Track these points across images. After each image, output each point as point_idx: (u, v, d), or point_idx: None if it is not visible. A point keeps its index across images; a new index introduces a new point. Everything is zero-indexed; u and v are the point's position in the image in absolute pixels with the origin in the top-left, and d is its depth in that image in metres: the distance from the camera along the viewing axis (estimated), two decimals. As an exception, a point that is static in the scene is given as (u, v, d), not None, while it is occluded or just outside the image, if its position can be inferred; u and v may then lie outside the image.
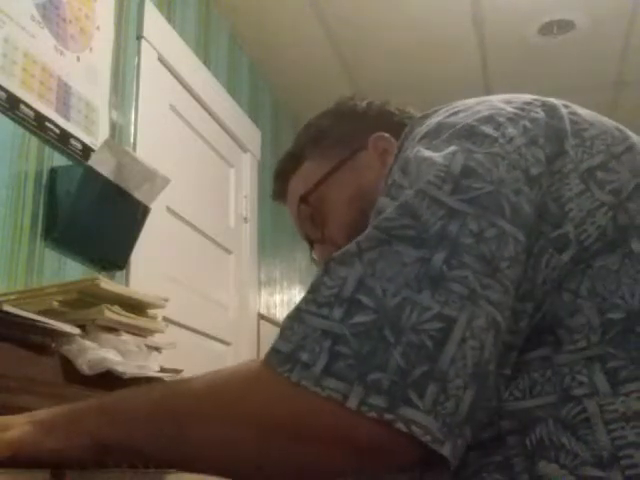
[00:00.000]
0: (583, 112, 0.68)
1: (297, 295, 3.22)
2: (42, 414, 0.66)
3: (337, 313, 0.53)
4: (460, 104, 0.69)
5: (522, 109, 0.65)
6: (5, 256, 1.37)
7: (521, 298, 0.57)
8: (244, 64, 2.78)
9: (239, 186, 2.65)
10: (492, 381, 0.55)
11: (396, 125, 0.88)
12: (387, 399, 0.50)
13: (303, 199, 0.91)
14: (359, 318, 0.53)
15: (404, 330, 0.52)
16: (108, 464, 0.71)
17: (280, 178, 0.99)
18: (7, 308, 0.86)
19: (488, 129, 0.62)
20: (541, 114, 0.64)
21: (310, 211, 0.92)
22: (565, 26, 2.71)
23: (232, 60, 2.66)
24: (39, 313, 0.94)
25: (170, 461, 0.63)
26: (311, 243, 0.95)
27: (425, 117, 0.70)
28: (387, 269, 0.54)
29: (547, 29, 2.72)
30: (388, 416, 0.50)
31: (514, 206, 0.57)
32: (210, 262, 2.39)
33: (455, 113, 0.66)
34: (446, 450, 0.51)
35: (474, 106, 0.66)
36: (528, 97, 0.68)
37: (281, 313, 2.98)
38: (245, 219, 2.65)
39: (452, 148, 0.60)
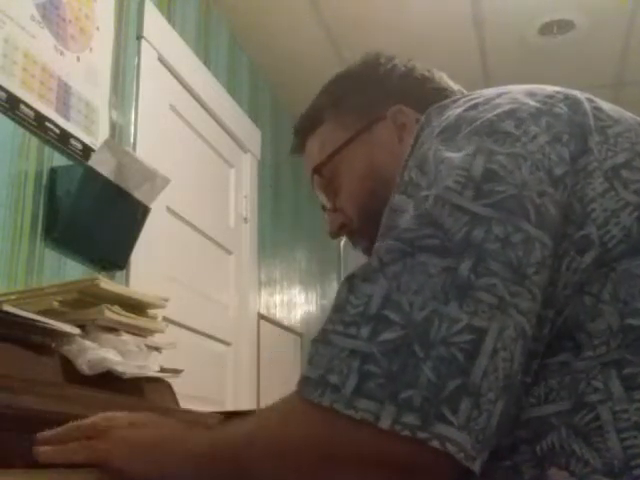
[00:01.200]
0: (607, 107, 0.66)
1: (297, 295, 3.22)
2: (138, 431, 0.70)
3: (364, 331, 0.52)
4: (479, 95, 0.66)
5: (544, 103, 0.62)
6: (5, 256, 1.37)
7: (544, 304, 0.55)
8: (244, 64, 2.78)
9: (239, 186, 2.65)
10: (517, 391, 0.54)
11: (418, 95, 0.86)
12: (420, 416, 0.49)
13: (316, 170, 0.90)
14: (387, 335, 0.51)
15: (434, 344, 0.50)
16: None
17: (298, 135, 0.97)
18: (7, 308, 0.86)
19: (509, 126, 0.60)
20: (564, 109, 0.62)
21: (323, 182, 0.90)
22: (565, 26, 2.71)
23: (232, 60, 2.66)
24: (39, 313, 0.94)
25: None
26: (324, 209, 0.94)
27: (443, 107, 0.68)
28: (412, 282, 0.53)
29: (547, 29, 2.72)
30: (422, 434, 0.49)
31: (539, 209, 0.55)
32: (210, 262, 2.39)
33: (474, 106, 0.63)
34: (477, 466, 0.50)
35: (494, 98, 0.64)
36: (550, 89, 0.66)
37: (281, 313, 2.98)
38: (245, 219, 2.65)
39: (472, 148, 0.58)
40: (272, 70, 2.91)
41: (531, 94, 0.64)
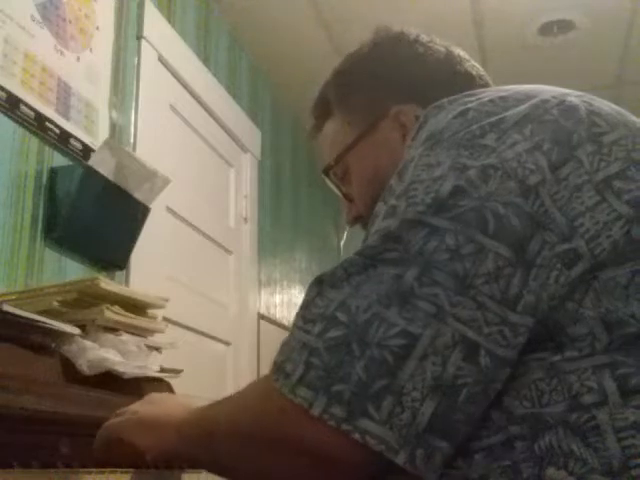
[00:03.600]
0: (607, 111, 0.64)
1: (297, 295, 3.22)
2: (149, 406, 0.81)
3: (317, 329, 0.57)
4: (475, 97, 0.66)
5: (536, 107, 0.62)
6: (5, 256, 1.37)
7: (521, 311, 0.55)
8: (244, 64, 2.78)
9: (239, 186, 2.65)
10: (470, 394, 0.54)
11: (424, 89, 0.84)
12: (346, 410, 0.54)
13: (326, 173, 0.92)
14: (332, 333, 0.56)
15: (369, 345, 0.54)
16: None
17: (314, 119, 0.97)
18: (7, 308, 0.86)
19: (489, 140, 0.60)
20: (554, 115, 0.62)
21: (335, 180, 0.92)
22: (565, 26, 2.71)
23: (232, 60, 2.66)
24: (39, 313, 0.95)
25: (213, 469, 0.72)
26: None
27: (440, 108, 0.68)
28: (367, 289, 0.57)
29: (547, 29, 2.72)
30: (346, 426, 0.53)
31: (500, 219, 0.56)
32: (210, 262, 2.39)
33: (465, 112, 0.64)
34: (401, 459, 0.53)
35: (487, 104, 0.64)
36: (549, 93, 0.65)
37: (281, 313, 2.98)
38: (245, 219, 2.65)
39: (447, 164, 0.60)
40: (272, 70, 2.91)
41: (528, 97, 0.64)
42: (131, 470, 0.80)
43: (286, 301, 3.07)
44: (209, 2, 2.47)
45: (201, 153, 2.38)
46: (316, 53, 2.77)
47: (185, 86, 2.25)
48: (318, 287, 0.59)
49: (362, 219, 0.91)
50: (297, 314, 0.60)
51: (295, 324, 0.59)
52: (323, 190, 3.79)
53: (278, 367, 0.58)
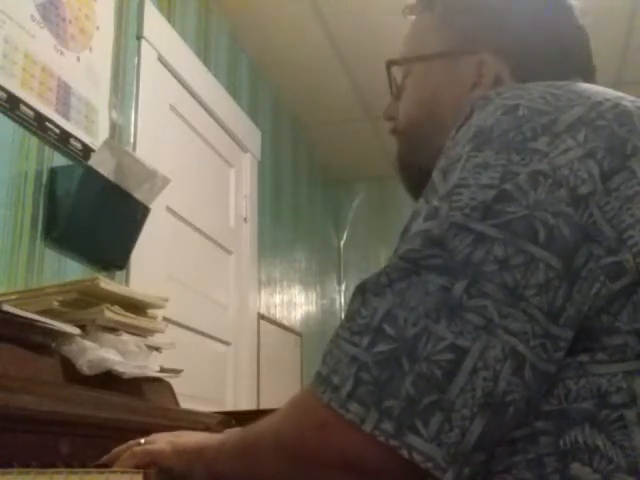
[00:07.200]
0: None
1: (297, 295, 3.22)
2: (181, 438, 0.80)
3: (365, 341, 0.55)
4: (526, 92, 0.63)
5: (590, 110, 0.60)
6: (5, 256, 1.37)
7: (562, 324, 0.54)
8: (244, 64, 2.78)
9: (239, 186, 2.65)
10: (515, 410, 0.54)
11: (524, 52, 0.79)
12: (395, 426, 0.52)
13: (388, 65, 0.89)
14: (381, 347, 0.54)
15: (418, 359, 0.53)
16: None
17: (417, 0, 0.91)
18: (7, 308, 0.86)
19: (541, 144, 0.58)
20: (608, 120, 0.60)
21: (393, 74, 0.88)
22: (565, 26, 2.71)
23: (232, 60, 2.66)
24: (39, 313, 0.95)
25: None
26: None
27: (487, 100, 0.64)
28: (412, 298, 0.55)
29: (547, 29, 2.72)
30: (393, 442, 0.52)
31: (551, 230, 0.54)
32: (210, 262, 2.39)
33: (515, 108, 0.61)
34: (448, 478, 0.52)
35: (538, 101, 0.61)
36: (602, 94, 0.63)
37: (281, 313, 2.98)
38: (245, 219, 2.66)
39: (497, 173, 0.57)
40: (272, 70, 2.91)
41: (580, 97, 0.62)
42: (130, 470, 0.79)
43: (286, 301, 3.07)
44: (209, 2, 2.47)
45: (201, 153, 2.38)
46: (316, 53, 2.76)
47: (185, 86, 2.25)
48: (362, 295, 0.58)
49: (394, 123, 0.88)
50: (342, 324, 0.58)
51: (340, 335, 0.57)
52: (323, 190, 3.80)
53: (324, 379, 0.56)
